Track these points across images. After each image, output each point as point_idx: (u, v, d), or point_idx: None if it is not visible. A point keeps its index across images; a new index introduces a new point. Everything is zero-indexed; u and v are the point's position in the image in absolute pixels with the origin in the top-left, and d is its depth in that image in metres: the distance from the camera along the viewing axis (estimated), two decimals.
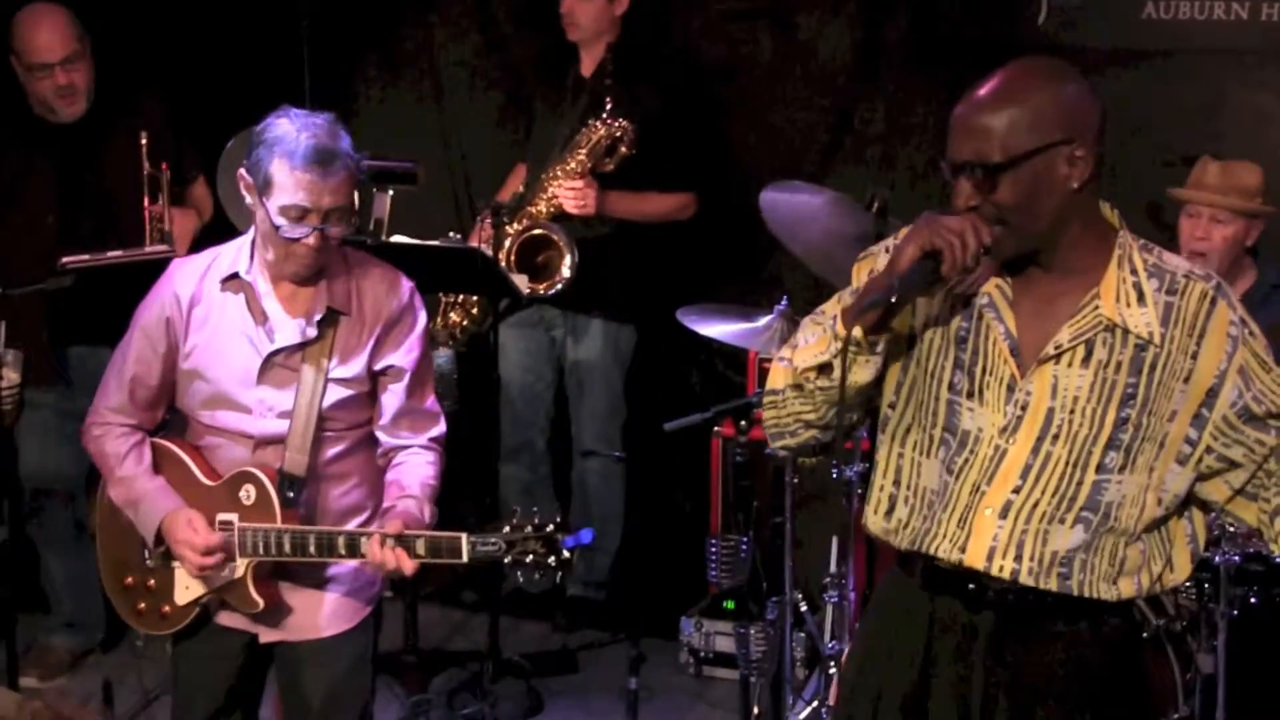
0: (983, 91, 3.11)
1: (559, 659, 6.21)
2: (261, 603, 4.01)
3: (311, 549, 3.91)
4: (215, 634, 4.12)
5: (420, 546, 3.80)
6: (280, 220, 3.84)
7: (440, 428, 4.12)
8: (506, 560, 3.75)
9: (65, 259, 4.74)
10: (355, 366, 3.99)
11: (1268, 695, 5.11)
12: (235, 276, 3.99)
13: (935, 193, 6.09)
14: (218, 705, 4.17)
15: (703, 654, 6.05)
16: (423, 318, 4.08)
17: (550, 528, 3.75)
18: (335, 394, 3.99)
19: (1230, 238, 5.18)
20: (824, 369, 3.21)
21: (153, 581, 4.11)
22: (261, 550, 3.96)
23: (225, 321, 3.99)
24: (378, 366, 4.01)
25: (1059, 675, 3.26)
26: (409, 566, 3.81)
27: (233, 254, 4.02)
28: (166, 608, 4.12)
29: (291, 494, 3.97)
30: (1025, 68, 3.14)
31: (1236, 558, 4.62)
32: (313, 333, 3.96)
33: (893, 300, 3.08)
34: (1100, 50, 6.02)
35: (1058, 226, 3.14)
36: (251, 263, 3.99)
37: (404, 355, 4.03)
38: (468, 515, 6.59)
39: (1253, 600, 4.76)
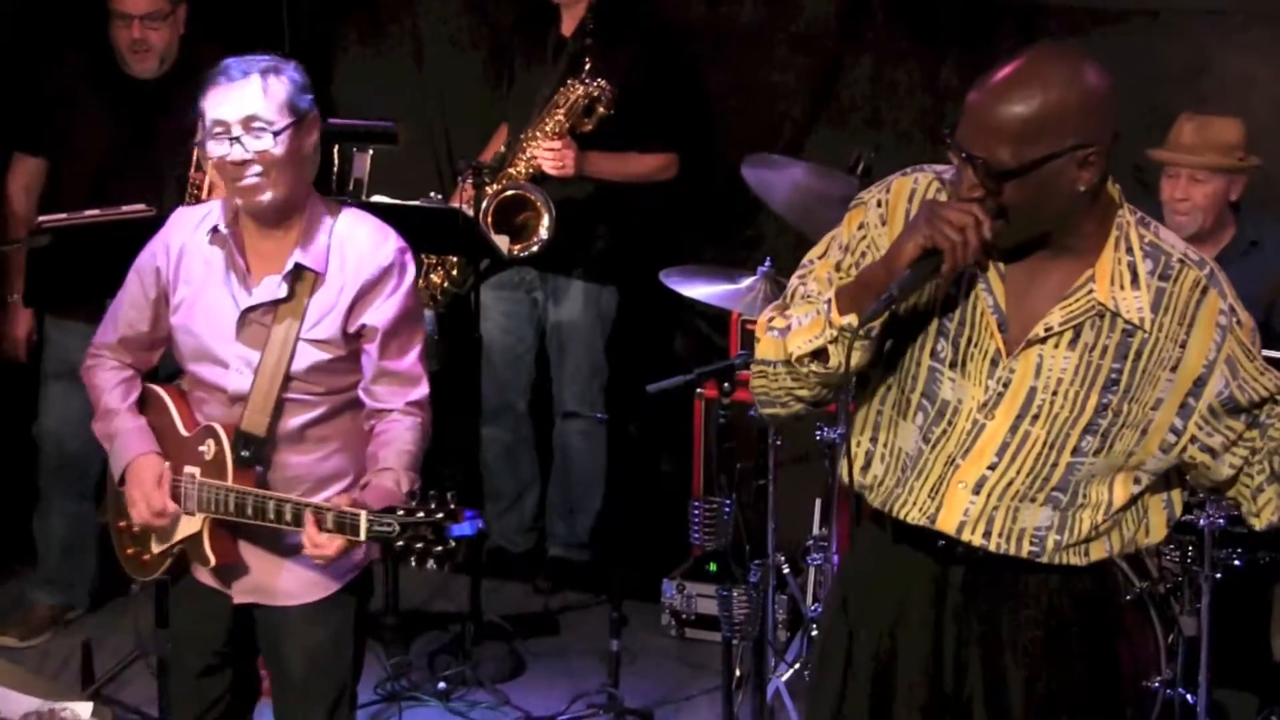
0: (1000, 83, 3.00)
1: (540, 621, 6.21)
2: (213, 559, 3.98)
3: (250, 511, 3.87)
4: (200, 591, 4.10)
5: (329, 520, 3.75)
6: (209, 149, 3.86)
7: (421, 390, 4.03)
8: (399, 544, 3.67)
9: (42, 218, 4.71)
10: (329, 328, 3.93)
11: (1251, 658, 5.12)
12: (217, 230, 3.98)
13: (921, 154, 6.05)
14: (206, 663, 4.14)
15: (684, 616, 6.06)
16: (409, 279, 3.99)
17: (441, 515, 3.67)
18: (309, 356, 3.93)
19: (1211, 195, 5.11)
20: (818, 354, 3.16)
21: (137, 529, 4.11)
22: (211, 507, 3.94)
23: (209, 275, 3.98)
24: (352, 329, 3.95)
25: (1031, 630, 3.27)
26: (332, 549, 3.75)
27: (222, 207, 4.01)
28: (146, 555, 4.14)
29: (246, 453, 3.92)
30: (1046, 60, 3.02)
31: (1221, 520, 4.61)
32: (284, 290, 3.92)
33: (891, 306, 3.05)
34: (1085, 10, 6.00)
35: (1061, 221, 3.08)
36: (234, 217, 3.97)
37: (378, 314, 3.94)
38: (449, 477, 6.60)
39: (1236, 563, 4.76)
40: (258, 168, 3.84)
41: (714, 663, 5.48)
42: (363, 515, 3.71)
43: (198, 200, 5.37)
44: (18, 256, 5.36)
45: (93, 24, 5.73)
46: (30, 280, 5.01)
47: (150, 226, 4.18)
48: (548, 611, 6.29)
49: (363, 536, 3.71)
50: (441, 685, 5.59)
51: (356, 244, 3.96)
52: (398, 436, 3.97)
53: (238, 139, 3.83)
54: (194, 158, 5.40)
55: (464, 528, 3.68)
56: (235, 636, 4.14)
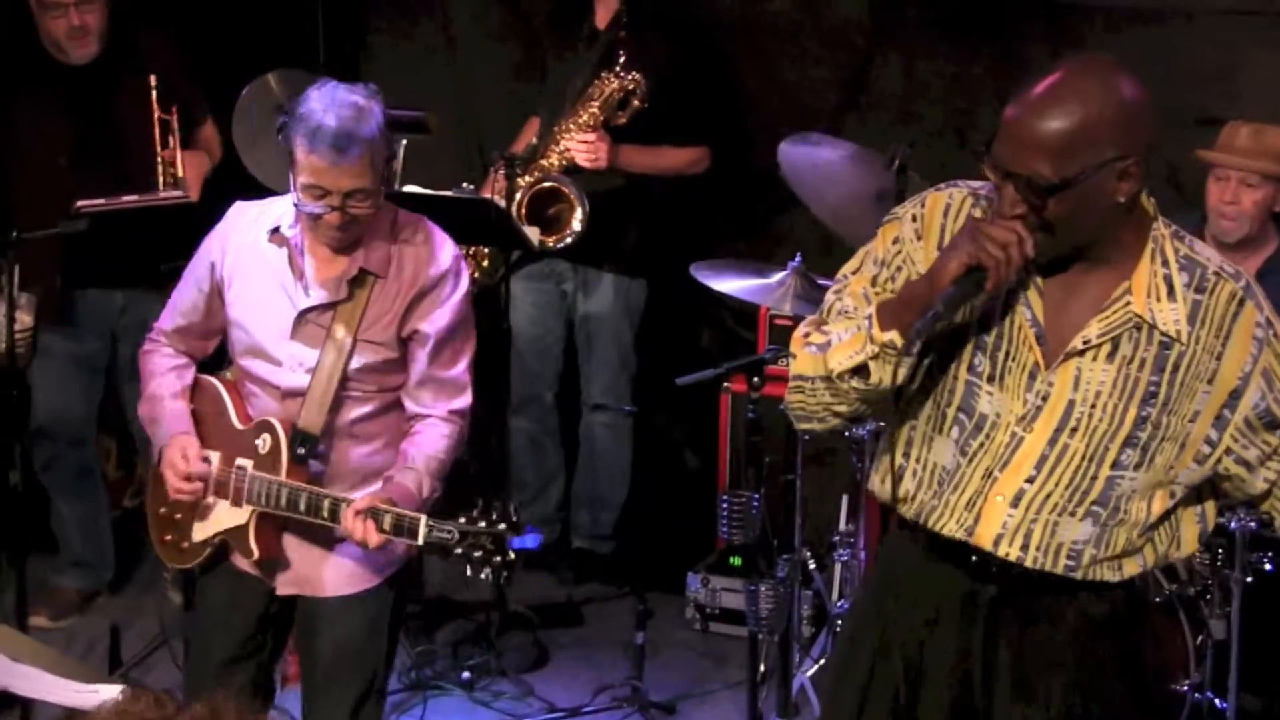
0: (1036, 99, 3.00)
1: (565, 612, 6.20)
2: (257, 552, 4.02)
3: (302, 507, 3.91)
4: (235, 580, 4.13)
5: (386, 522, 3.78)
6: (301, 196, 3.87)
7: (464, 399, 4.07)
8: (457, 551, 3.71)
9: (80, 203, 4.73)
10: (386, 331, 3.98)
11: None
12: (278, 230, 4.00)
13: (952, 152, 6.06)
14: (229, 654, 4.16)
15: (709, 610, 6.04)
16: (463, 285, 4.03)
17: (502, 526, 3.70)
18: (364, 356, 3.98)
19: (1260, 202, 5.11)
20: (859, 370, 3.15)
21: (179, 515, 4.14)
22: (262, 501, 3.97)
23: (266, 274, 4.01)
24: (405, 332, 3.99)
25: (1062, 648, 3.25)
26: (374, 539, 3.80)
27: (283, 206, 4.03)
28: (185, 543, 4.16)
29: (302, 450, 3.96)
30: (1081, 74, 3.03)
31: (1253, 524, 4.60)
32: (344, 293, 3.96)
33: (937, 323, 3.06)
34: (1117, 10, 5.99)
35: (1100, 233, 3.09)
36: (296, 219, 3.99)
37: (431, 321, 3.98)
38: (474, 469, 6.60)
39: (1268, 567, 4.74)
40: (347, 221, 3.88)
41: (737, 656, 5.49)
42: (422, 520, 3.75)
43: (175, 178, 5.41)
44: None
45: (10, 22, 5.65)
46: (68, 264, 5.03)
47: (186, 213, 4.20)
48: (572, 602, 6.28)
49: (420, 541, 3.75)
50: (465, 675, 5.58)
51: (415, 248, 4.00)
52: (430, 441, 4.01)
53: (339, 208, 3.85)
54: (156, 135, 5.44)
55: (525, 540, 3.71)
56: (264, 626, 4.16)
